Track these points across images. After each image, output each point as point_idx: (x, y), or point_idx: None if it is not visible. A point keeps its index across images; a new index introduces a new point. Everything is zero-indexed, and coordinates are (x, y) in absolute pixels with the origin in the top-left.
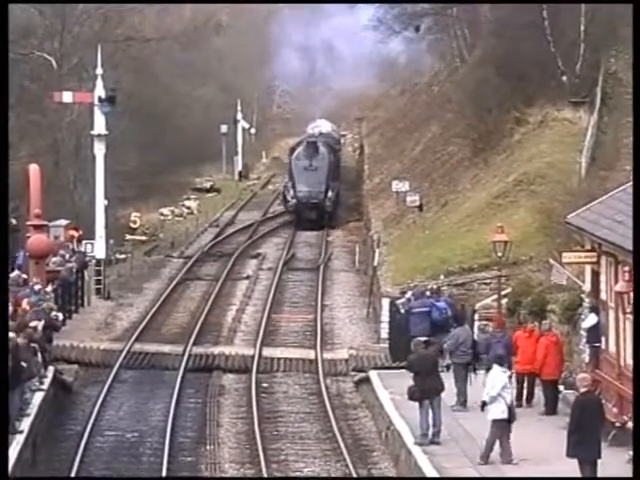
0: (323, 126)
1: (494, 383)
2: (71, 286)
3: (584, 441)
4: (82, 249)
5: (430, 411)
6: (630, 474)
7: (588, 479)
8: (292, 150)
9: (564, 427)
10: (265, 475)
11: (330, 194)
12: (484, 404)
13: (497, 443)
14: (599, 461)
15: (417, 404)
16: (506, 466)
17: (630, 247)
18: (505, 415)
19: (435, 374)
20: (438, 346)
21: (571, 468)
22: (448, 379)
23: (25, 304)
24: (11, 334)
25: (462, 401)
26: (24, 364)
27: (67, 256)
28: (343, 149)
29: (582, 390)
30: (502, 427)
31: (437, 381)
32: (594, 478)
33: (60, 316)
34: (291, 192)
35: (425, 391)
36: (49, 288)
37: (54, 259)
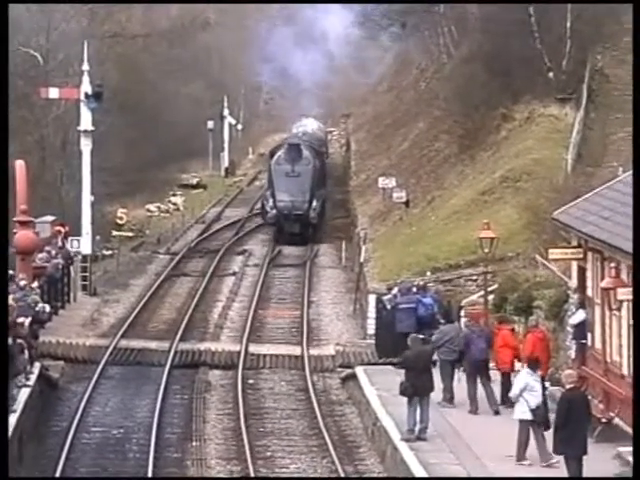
0: (308, 125)
1: (518, 384)
2: (57, 282)
3: (570, 438)
4: (68, 245)
5: (418, 408)
6: (616, 471)
7: (587, 479)
8: (272, 154)
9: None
10: (252, 473)
11: (315, 204)
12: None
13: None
14: (585, 457)
15: (405, 400)
16: (544, 468)
17: (617, 244)
18: (527, 416)
19: (429, 373)
20: (433, 345)
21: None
22: (438, 375)
23: (10, 300)
24: None
25: (449, 397)
26: (11, 360)
27: (53, 252)
28: (330, 148)
29: (568, 386)
30: (526, 427)
31: (429, 379)
32: (595, 478)
33: (47, 307)
34: (270, 202)
35: (417, 388)
36: (35, 284)
37: (40, 255)
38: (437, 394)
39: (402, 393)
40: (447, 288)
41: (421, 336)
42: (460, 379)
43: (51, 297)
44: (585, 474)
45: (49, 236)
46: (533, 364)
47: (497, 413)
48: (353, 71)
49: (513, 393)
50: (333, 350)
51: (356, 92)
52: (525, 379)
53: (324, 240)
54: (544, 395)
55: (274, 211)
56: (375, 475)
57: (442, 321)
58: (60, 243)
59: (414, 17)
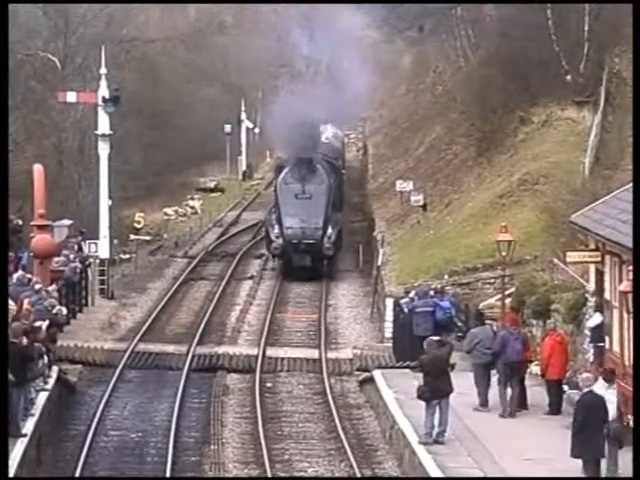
0: (324, 133)
1: None
2: (75, 286)
3: (588, 441)
4: (85, 249)
5: (437, 411)
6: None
7: (587, 479)
8: (278, 169)
9: (568, 427)
10: (269, 475)
11: (330, 231)
12: None
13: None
14: (603, 460)
15: (423, 403)
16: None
17: None
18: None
19: (446, 375)
20: (450, 346)
21: (573, 467)
22: (455, 379)
23: (26, 304)
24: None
25: (483, 402)
26: (29, 364)
27: (71, 256)
28: (348, 152)
29: (585, 390)
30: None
31: (447, 382)
32: (595, 478)
33: (64, 310)
34: (276, 228)
35: (435, 391)
36: (51, 288)
37: (57, 259)
38: (455, 397)
39: (420, 397)
40: (465, 291)
41: (436, 338)
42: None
43: (69, 301)
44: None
45: (64, 240)
46: (609, 377)
47: (512, 415)
48: (370, 74)
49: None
50: (351, 353)
51: (374, 95)
52: (600, 393)
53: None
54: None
55: (280, 240)
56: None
57: (459, 324)
58: (76, 247)
59: (431, 20)
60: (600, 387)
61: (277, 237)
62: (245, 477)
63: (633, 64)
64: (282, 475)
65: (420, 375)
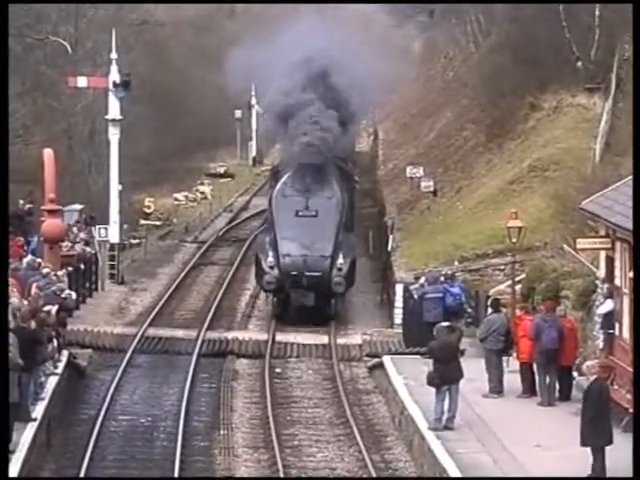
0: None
1: None
2: (85, 271)
3: (597, 429)
4: (95, 233)
5: (447, 397)
6: None
7: (588, 479)
8: (274, 174)
9: (577, 413)
10: (279, 461)
11: (341, 261)
12: None
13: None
14: (612, 447)
15: (433, 389)
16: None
17: None
18: None
19: (456, 361)
20: (460, 332)
21: (582, 453)
22: (465, 365)
23: (34, 288)
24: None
25: (496, 388)
26: (38, 347)
27: (78, 239)
28: (358, 144)
29: (592, 377)
30: None
31: (457, 368)
32: (595, 478)
33: (73, 294)
34: (270, 256)
35: (445, 378)
36: (61, 272)
37: (64, 244)
38: (465, 383)
39: (430, 383)
40: (474, 278)
41: (446, 324)
42: (508, 366)
43: (79, 285)
44: (612, 464)
45: (69, 225)
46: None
47: (550, 404)
48: (380, 60)
49: None
50: (360, 339)
51: (383, 81)
52: None
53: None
54: None
55: (275, 271)
56: (402, 464)
57: (469, 310)
58: (76, 230)
59: (442, 5)
60: None
61: (271, 267)
62: (248, 477)
63: (633, 65)
64: (291, 461)
65: (430, 361)
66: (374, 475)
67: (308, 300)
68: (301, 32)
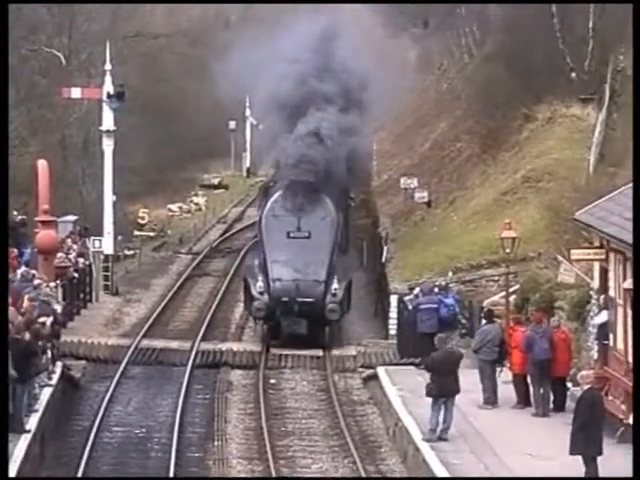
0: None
1: None
2: (79, 282)
3: (588, 438)
4: (90, 245)
5: (442, 409)
6: None
7: (588, 479)
8: (264, 191)
9: (570, 424)
10: (274, 473)
11: (336, 286)
12: None
13: None
14: (607, 458)
15: (427, 400)
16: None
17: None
18: None
19: (454, 374)
20: (461, 355)
21: (575, 463)
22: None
23: (26, 300)
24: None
25: (490, 399)
26: (33, 359)
27: (72, 252)
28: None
29: (585, 387)
30: None
31: (456, 382)
32: (595, 478)
33: (58, 308)
34: (260, 281)
35: (443, 390)
36: (52, 284)
37: (58, 255)
38: (460, 394)
39: (428, 394)
40: (469, 288)
41: (449, 347)
42: (500, 377)
43: (73, 296)
44: (606, 474)
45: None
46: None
47: (545, 415)
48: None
49: None
50: (354, 350)
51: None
52: None
53: None
54: None
55: (265, 297)
56: (396, 474)
57: (463, 321)
58: (70, 242)
59: (436, 17)
60: None
61: (261, 293)
62: (243, 477)
63: (633, 64)
64: (285, 472)
65: (424, 372)
66: None
67: (300, 328)
68: (297, 43)
